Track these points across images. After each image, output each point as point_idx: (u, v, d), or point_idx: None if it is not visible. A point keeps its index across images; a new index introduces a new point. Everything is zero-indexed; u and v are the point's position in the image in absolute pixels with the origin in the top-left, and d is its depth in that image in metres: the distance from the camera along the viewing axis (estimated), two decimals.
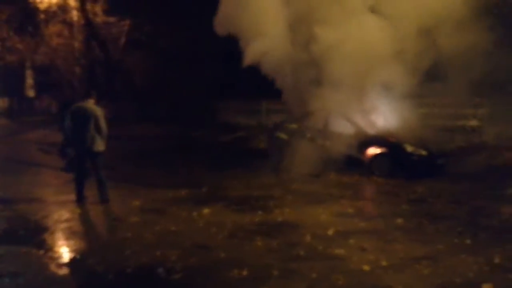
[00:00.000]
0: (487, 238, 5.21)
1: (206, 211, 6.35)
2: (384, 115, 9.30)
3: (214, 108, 19.73)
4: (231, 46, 10.92)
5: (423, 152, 8.69)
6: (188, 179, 8.90)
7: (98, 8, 21.22)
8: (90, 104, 6.79)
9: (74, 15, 22.00)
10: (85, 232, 5.83)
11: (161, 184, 8.32)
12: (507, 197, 7.20)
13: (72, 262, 4.56)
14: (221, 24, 10.01)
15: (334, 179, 8.76)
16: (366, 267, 4.29)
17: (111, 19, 21.15)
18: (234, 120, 19.03)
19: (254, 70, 10.21)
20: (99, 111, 6.75)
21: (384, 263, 4.41)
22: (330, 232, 5.41)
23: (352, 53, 8.60)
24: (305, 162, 9.34)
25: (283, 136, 10.25)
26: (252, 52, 9.76)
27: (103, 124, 6.67)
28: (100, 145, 6.68)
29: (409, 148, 8.71)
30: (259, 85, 12.66)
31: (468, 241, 5.08)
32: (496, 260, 4.47)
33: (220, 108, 19.69)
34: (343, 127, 9.43)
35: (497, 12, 8.67)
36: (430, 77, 8.98)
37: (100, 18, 21.31)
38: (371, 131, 9.17)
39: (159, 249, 4.76)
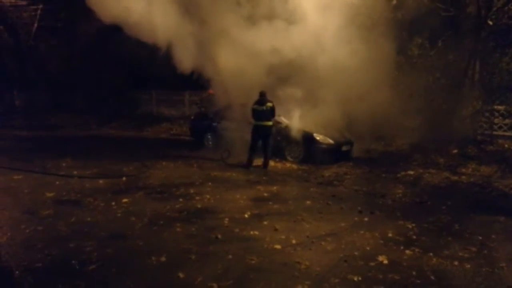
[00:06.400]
0: (382, 216, 5.88)
1: (125, 200, 6.28)
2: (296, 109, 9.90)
3: (135, 99, 19.21)
4: None
5: (330, 141, 9.44)
6: (106, 169, 8.64)
7: None
8: None
9: None
10: None
11: (77, 174, 7.98)
12: (399, 179, 8.11)
13: None
14: None
15: (252, 166, 9.12)
16: (277, 246, 4.64)
17: (21, 2, 19.54)
18: (157, 111, 18.75)
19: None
20: None
21: (293, 241, 4.80)
22: (247, 215, 5.73)
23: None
24: (225, 150, 9.64)
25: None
26: None
27: None
28: None
29: (318, 137, 9.40)
30: (182, 76, 12.57)
31: (366, 219, 5.71)
32: (390, 234, 5.09)
33: (143, 98, 19.23)
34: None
35: None
36: None
37: (7, 0, 19.55)
38: (285, 122, 9.73)
39: (73, 241, 4.64)
